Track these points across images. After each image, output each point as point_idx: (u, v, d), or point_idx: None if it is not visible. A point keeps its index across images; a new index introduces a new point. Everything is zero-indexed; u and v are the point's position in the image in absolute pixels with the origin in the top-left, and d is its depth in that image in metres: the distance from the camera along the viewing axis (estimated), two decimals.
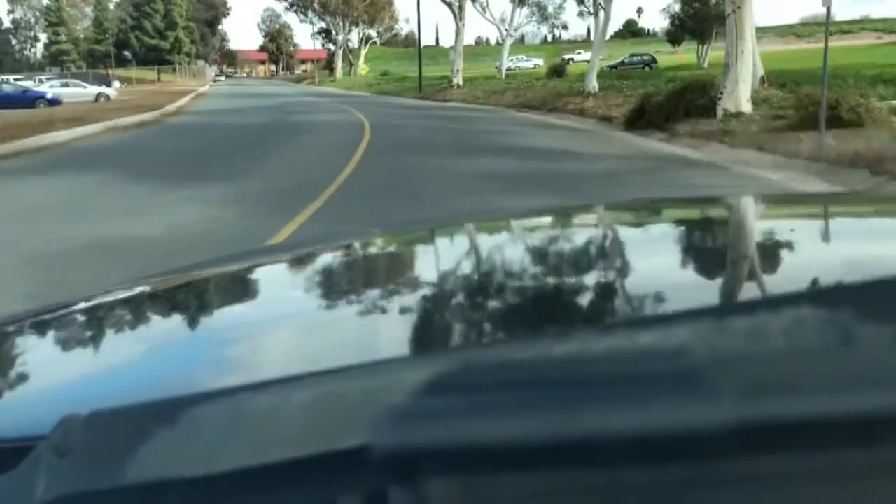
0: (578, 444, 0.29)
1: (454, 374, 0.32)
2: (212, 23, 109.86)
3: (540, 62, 68.81)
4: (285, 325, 0.71)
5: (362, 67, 44.57)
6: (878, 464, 0.29)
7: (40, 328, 0.79)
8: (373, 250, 1.08)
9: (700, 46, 40.94)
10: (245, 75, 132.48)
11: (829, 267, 0.75)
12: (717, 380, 0.29)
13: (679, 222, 1.12)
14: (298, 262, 1.01)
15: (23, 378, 0.66)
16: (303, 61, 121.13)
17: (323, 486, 0.32)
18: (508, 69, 36.23)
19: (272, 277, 0.96)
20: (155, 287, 0.92)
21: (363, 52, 67.06)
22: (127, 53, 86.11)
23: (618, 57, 45.27)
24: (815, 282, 0.66)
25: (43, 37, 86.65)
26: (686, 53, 47.00)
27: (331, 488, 0.32)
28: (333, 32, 68.39)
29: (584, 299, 0.70)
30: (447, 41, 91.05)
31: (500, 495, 0.30)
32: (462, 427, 0.30)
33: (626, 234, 1.05)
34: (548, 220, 1.21)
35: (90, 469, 0.33)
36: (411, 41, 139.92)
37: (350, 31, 66.79)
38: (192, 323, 0.79)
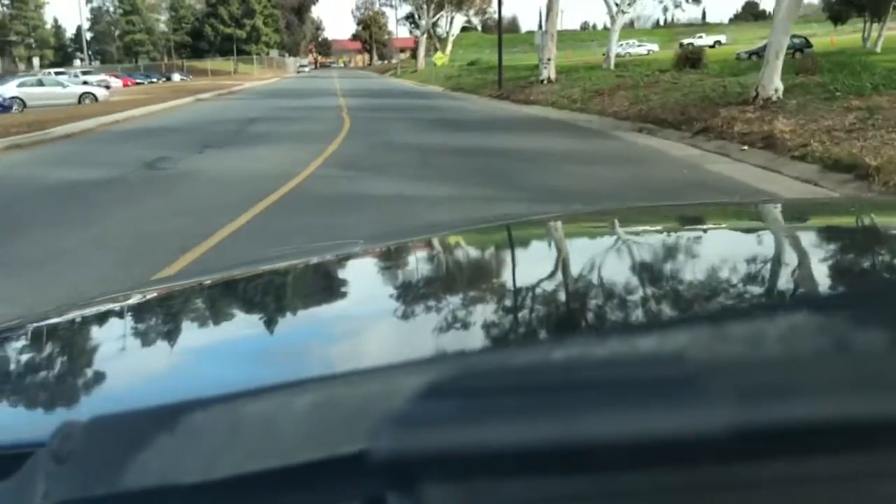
0: (577, 449, 0.29)
1: (453, 380, 0.32)
2: (299, 10, 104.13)
3: (654, 48, 59.27)
4: (284, 332, 0.72)
5: (438, 57, 36.54)
6: (875, 468, 0.29)
7: (39, 334, 0.79)
8: (372, 257, 1.08)
9: (868, 25, 31.14)
10: (342, 65, 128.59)
11: (826, 274, 0.75)
12: (715, 385, 0.29)
13: (677, 229, 1.11)
14: (297, 269, 1.02)
15: (22, 384, 0.66)
16: (401, 50, 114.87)
17: (322, 492, 0.32)
18: (618, 55, 27.09)
19: (270, 284, 0.97)
20: (153, 294, 0.93)
21: (450, 38, 58.90)
22: (204, 44, 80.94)
23: (744, 42, 35.43)
24: (811, 288, 0.67)
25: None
26: (835, 35, 37.26)
27: (330, 494, 0.32)
28: (416, 17, 60.71)
29: (583, 305, 0.71)
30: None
31: (499, 500, 0.30)
32: (461, 432, 0.29)
33: (625, 239, 1.05)
34: (546, 225, 1.21)
35: (89, 475, 0.33)
36: (513, 26, 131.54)
37: (436, 15, 58.82)
38: (192, 329, 0.79)
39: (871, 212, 1.13)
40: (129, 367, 0.66)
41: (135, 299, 0.90)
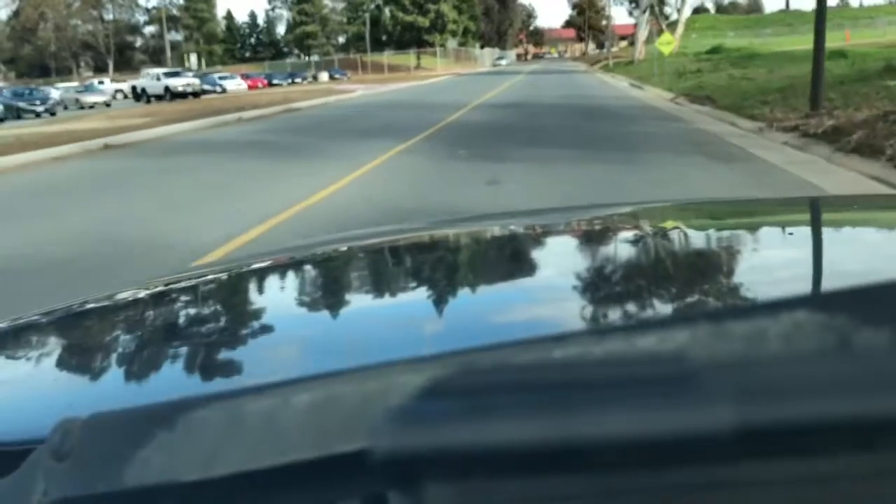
0: (577, 448, 0.29)
1: (453, 378, 0.32)
2: None
3: None
4: (284, 328, 0.72)
5: (664, 41, 21.12)
6: (877, 468, 0.29)
7: (38, 330, 0.80)
8: (373, 254, 1.08)
9: None
10: (557, 55, 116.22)
11: (828, 271, 0.75)
12: (715, 384, 0.29)
13: (678, 226, 1.12)
14: (296, 264, 1.02)
15: (21, 381, 0.66)
16: (622, 37, 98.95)
17: (321, 490, 0.32)
18: None
19: (270, 280, 0.97)
20: (153, 290, 0.93)
21: (682, 17, 42.44)
22: (384, 35, 69.68)
23: None
24: (813, 286, 0.67)
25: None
26: None
27: (329, 492, 0.32)
28: None
29: (583, 303, 0.71)
30: (803, 3, 62.83)
31: (499, 499, 0.30)
32: (461, 430, 0.30)
33: (626, 238, 1.06)
34: (549, 223, 1.21)
35: (88, 472, 0.33)
36: (755, 5, 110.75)
37: None
38: (191, 326, 0.79)
39: (877, 210, 1.12)
40: (129, 363, 0.66)
41: (134, 296, 0.90)
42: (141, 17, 75.80)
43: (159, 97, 30.74)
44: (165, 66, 44.50)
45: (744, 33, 58.42)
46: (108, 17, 75.66)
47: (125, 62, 76.07)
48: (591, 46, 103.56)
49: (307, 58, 68.74)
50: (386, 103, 20.44)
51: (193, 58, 60.10)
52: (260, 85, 43.41)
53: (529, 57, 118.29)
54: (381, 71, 63.12)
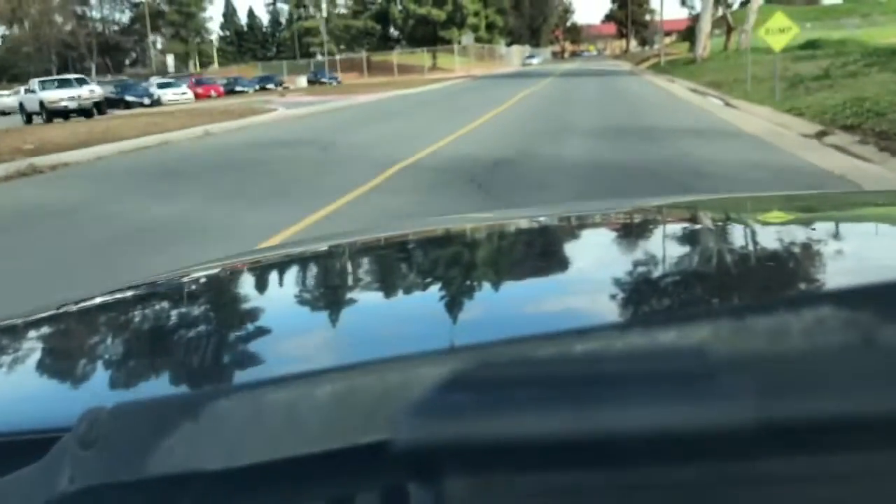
0: (597, 442, 0.29)
1: (473, 371, 0.32)
2: None
3: None
4: (305, 321, 0.73)
5: (770, 26, 10.87)
6: None
7: (67, 320, 0.82)
8: (393, 246, 1.09)
9: None
10: (596, 53, 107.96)
11: (852, 267, 0.75)
12: (737, 379, 0.29)
13: (699, 221, 1.10)
14: (319, 257, 1.03)
15: (49, 370, 0.67)
16: (667, 33, 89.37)
17: (343, 481, 0.33)
18: None
19: (293, 272, 0.99)
20: (179, 281, 0.94)
21: (754, 5, 32.77)
22: (395, 31, 60.41)
23: None
24: (836, 282, 0.67)
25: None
26: None
27: (350, 483, 0.33)
28: None
29: (605, 297, 0.70)
30: None
31: (519, 491, 0.30)
32: (481, 423, 0.30)
33: (647, 233, 1.05)
34: (569, 218, 1.20)
35: (114, 460, 0.34)
36: None
37: None
38: (216, 317, 0.80)
39: None
40: (154, 354, 0.68)
41: (161, 287, 0.91)
42: (126, 15, 67.74)
43: (40, 115, 22.08)
44: (150, 68, 36.35)
45: (815, 25, 48.66)
46: (94, 14, 67.88)
47: (117, 65, 68.37)
48: (633, 44, 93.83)
49: (310, 58, 59.95)
50: (245, 147, 11.39)
51: (170, 59, 51.82)
52: (213, 93, 34.69)
53: (566, 55, 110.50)
54: (391, 72, 54.19)
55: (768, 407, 0.28)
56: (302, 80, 41.25)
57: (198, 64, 60.49)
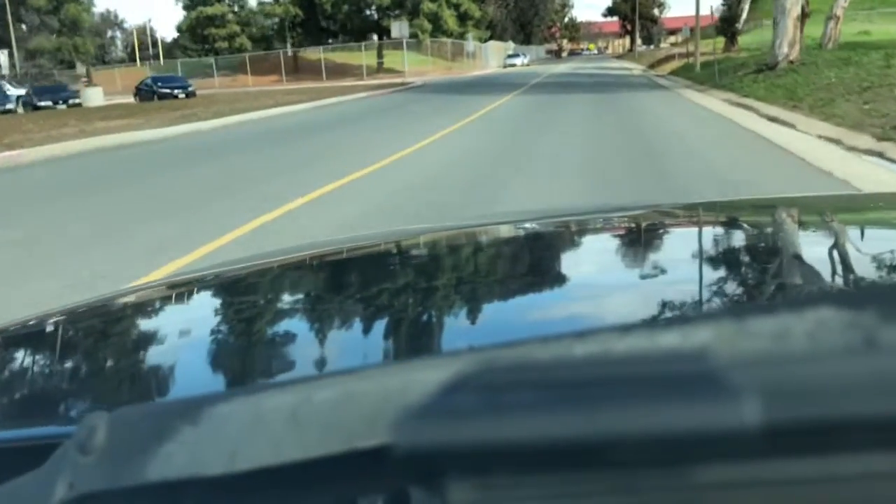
0: (599, 445, 0.29)
1: (474, 374, 0.32)
2: None
3: None
4: (305, 326, 0.74)
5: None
6: None
7: (66, 327, 0.82)
8: (392, 251, 1.09)
9: None
10: (596, 52, 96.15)
11: (854, 269, 0.75)
12: (739, 382, 0.29)
13: (701, 225, 1.12)
14: (318, 262, 1.04)
15: (49, 376, 0.68)
16: (671, 31, 76.09)
17: (343, 486, 0.33)
18: None
19: (292, 278, 0.99)
20: (179, 286, 0.95)
21: None
22: (328, 23, 45.47)
23: None
24: (839, 283, 0.68)
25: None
26: None
27: (351, 488, 0.33)
28: None
29: (606, 300, 0.71)
30: None
31: (520, 496, 0.30)
32: (482, 427, 0.30)
33: (648, 235, 1.06)
34: (569, 221, 1.21)
35: (114, 466, 0.34)
36: None
37: None
38: (215, 323, 0.81)
39: None
40: (153, 360, 0.68)
41: (158, 293, 0.91)
42: None
43: None
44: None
45: (868, 15, 35.23)
46: None
47: None
48: (638, 41, 79.77)
49: (215, 55, 45.40)
50: None
51: (3, 57, 37.18)
52: None
53: (564, 54, 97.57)
54: (318, 75, 39.75)
55: (770, 409, 0.28)
56: (96, 94, 25.65)
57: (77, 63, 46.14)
